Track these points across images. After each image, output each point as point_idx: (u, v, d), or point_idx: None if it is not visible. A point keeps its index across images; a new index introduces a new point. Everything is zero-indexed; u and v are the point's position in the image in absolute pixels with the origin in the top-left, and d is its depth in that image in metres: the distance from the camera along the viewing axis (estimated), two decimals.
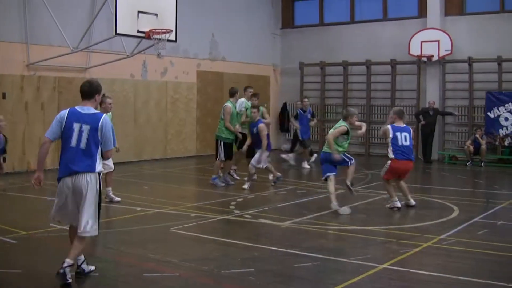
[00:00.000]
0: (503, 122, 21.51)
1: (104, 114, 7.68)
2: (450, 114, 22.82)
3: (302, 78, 26.87)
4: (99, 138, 7.44)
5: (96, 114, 7.56)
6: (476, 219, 11.42)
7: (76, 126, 7.39)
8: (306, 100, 21.00)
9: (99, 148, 7.51)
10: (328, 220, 11.31)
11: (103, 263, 8.35)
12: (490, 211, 12.38)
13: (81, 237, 7.38)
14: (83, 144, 7.36)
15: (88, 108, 7.60)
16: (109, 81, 20.11)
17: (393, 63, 24.20)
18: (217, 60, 24.62)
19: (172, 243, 9.78)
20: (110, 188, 13.09)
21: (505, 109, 21.47)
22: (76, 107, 7.63)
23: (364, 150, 24.68)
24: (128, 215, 11.69)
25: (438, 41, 22.56)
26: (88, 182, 7.35)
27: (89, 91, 7.72)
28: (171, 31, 16.60)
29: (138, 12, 16.06)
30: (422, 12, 23.82)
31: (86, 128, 7.38)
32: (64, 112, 7.54)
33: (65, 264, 7.10)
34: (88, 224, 7.35)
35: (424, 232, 10.25)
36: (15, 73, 17.88)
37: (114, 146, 7.80)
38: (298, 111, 20.54)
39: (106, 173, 12.58)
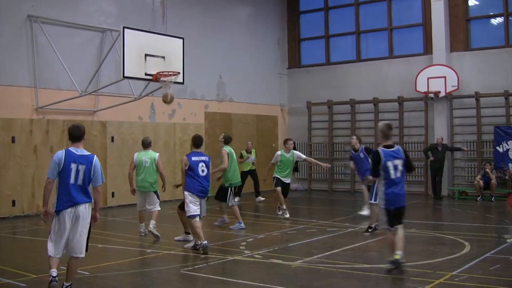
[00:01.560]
0: None
1: (95, 156, 8.86)
2: (459, 149, 22.79)
3: (310, 117, 26.97)
4: (92, 176, 8.63)
5: (88, 156, 8.73)
6: (488, 255, 11.31)
7: (73, 166, 8.54)
8: (353, 137, 17.36)
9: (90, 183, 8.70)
10: (339, 259, 11.23)
11: None
12: (502, 246, 12.27)
13: (77, 258, 8.68)
14: (80, 181, 8.55)
15: (81, 150, 8.74)
16: (118, 124, 20.24)
17: (400, 100, 24.25)
18: (224, 101, 24.76)
19: (183, 285, 9.74)
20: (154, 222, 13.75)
21: None
22: (70, 149, 8.70)
23: None
24: (138, 257, 11.66)
25: (445, 77, 22.65)
26: (87, 210, 8.60)
27: (79, 134, 8.93)
28: (179, 73, 16.71)
29: (146, 55, 16.18)
30: (427, 49, 23.95)
31: (82, 168, 8.55)
32: (61, 153, 8.61)
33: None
34: (83, 247, 8.65)
35: (436, 269, 10.16)
36: (24, 117, 18.00)
37: (102, 182, 8.81)
38: (351, 153, 17.36)
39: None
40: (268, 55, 27.19)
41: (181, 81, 17.22)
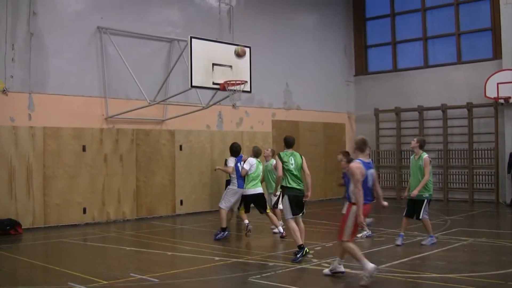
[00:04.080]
0: None
1: None
2: None
3: (378, 125, 26.77)
4: None
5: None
6: None
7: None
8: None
9: None
10: (408, 268, 11.10)
11: None
12: None
13: None
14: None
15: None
16: (185, 132, 20.48)
17: (469, 107, 23.85)
18: (291, 109, 24.79)
19: None
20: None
21: None
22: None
23: (443, 195, 24.25)
24: (206, 265, 11.73)
25: None
26: None
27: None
28: (246, 82, 16.78)
29: (213, 64, 16.31)
30: (497, 53, 23.50)
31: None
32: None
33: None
34: None
35: (508, 280, 9.96)
36: (95, 126, 18.39)
37: None
38: None
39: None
40: (334, 63, 27.12)
41: (248, 89, 17.27)
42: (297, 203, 12.42)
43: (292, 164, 12.71)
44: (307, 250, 12.14)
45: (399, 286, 9.84)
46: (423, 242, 13.74)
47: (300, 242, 12.11)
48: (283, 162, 12.76)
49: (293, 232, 12.23)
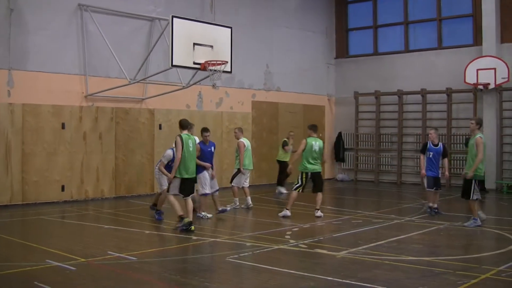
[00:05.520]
0: None
1: None
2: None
3: (357, 108, 26.86)
4: None
5: None
6: None
7: None
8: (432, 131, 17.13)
9: None
10: (384, 251, 11.19)
11: None
12: None
13: None
14: None
15: None
16: (165, 112, 20.44)
17: (449, 92, 24.00)
18: (271, 90, 24.77)
19: (228, 272, 9.81)
20: None
21: None
22: None
23: (420, 179, 24.40)
24: (184, 244, 11.78)
25: (495, 69, 22.29)
26: None
27: None
28: (226, 62, 16.75)
29: (194, 44, 16.25)
30: (477, 40, 23.62)
31: None
32: None
33: None
34: None
35: (482, 263, 10.09)
36: (74, 104, 18.30)
37: None
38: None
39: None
40: (315, 45, 27.11)
41: (229, 70, 17.24)
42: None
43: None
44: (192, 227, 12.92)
45: (376, 268, 9.92)
46: (466, 224, 13.97)
47: (181, 213, 13.03)
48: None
49: (174, 205, 13.24)
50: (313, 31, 26.98)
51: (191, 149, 13.33)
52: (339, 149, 27.24)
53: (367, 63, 27.00)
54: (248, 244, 11.76)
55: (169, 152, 14.48)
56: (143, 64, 18.72)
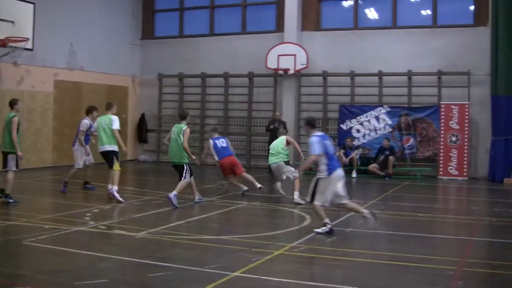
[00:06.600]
0: (355, 134, 22.41)
1: None
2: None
3: (161, 89, 26.87)
4: None
5: None
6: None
7: None
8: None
9: None
10: (183, 230, 11.33)
11: None
12: (341, 219, 12.71)
13: None
14: None
15: None
16: None
17: (251, 76, 24.63)
18: (75, 69, 24.12)
19: (25, 256, 9.48)
20: None
21: (357, 121, 22.40)
22: None
23: None
24: None
25: (295, 55, 23.19)
26: None
27: None
28: (28, 39, 16.17)
29: None
30: (280, 27, 24.44)
31: None
32: None
33: None
34: None
35: (276, 240, 10.47)
36: None
37: None
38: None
39: None
40: (121, 25, 26.72)
41: (31, 47, 16.64)
42: None
43: None
44: None
45: (175, 247, 10.02)
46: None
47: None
48: None
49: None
50: (119, 11, 26.61)
51: None
52: (142, 130, 27.13)
53: (173, 45, 27.03)
54: (46, 226, 11.42)
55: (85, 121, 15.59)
56: None
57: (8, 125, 14.03)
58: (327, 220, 11.01)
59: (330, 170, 10.91)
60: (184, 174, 14.17)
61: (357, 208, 11.41)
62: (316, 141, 11.02)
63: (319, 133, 11.36)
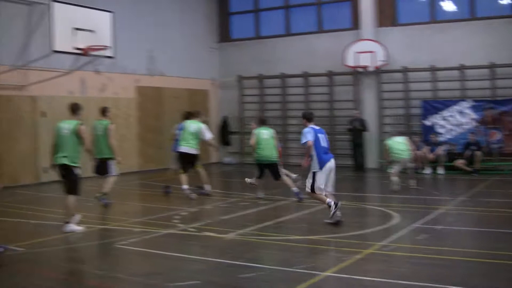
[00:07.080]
0: (439, 130, 22.11)
1: None
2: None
3: (241, 91, 27.07)
4: None
5: None
6: (416, 225, 11.69)
7: None
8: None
9: None
10: (272, 231, 11.44)
11: (50, 281, 8.34)
12: (430, 217, 12.59)
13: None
14: None
15: None
16: (48, 99, 19.96)
17: (330, 74, 24.59)
18: (155, 75, 24.59)
19: (118, 258, 9.80)
20: None
21: (441, 117, 22.07)
22: None
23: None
24: (72, 233, 11.62)
25: (373, 52, 22.99)
26: None
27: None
28: (107, 47, 16.57)
29: (74, 28, 15.98)
30: (355, 24, 24.31)
31: None
32: None
33: None
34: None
35: (365, 239, 10.50)
36: None
37: None
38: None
39: None
40: (197, 29, 27.07)
41: (111, 55, 17.06)
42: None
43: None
44: None
45: (264, 248, 10.14)
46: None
47: None
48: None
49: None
50: (196, 14, 26.95)
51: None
52: (224, 133, 27.41)
53: (250, 46, 27.22)
54: (136, 230, 11.74)
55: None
56: (23, 50, 18.16)
57: (104, 133, 14.51)
58: (328, 200, 11.72)
59: (321, 164, 11.96)
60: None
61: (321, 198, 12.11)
62: (308, 131, 12.17)
63: (314, 126, 12.32)
